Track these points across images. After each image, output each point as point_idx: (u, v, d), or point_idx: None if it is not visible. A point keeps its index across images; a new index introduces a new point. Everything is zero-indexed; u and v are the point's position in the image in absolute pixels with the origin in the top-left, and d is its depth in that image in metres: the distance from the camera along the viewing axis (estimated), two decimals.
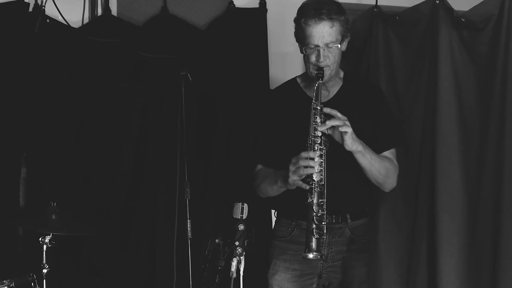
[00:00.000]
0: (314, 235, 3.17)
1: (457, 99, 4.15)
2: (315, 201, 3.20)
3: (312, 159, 3.20)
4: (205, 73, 4.40)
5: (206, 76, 4.40)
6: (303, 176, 3.22)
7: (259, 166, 3.59)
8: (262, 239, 3.52)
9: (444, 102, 4.13)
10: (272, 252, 3.58)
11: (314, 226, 3.18)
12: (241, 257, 3.20)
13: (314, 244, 3.17)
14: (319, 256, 3.19)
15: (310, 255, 3.18)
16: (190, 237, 4.03)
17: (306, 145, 3.25)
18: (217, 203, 4.44)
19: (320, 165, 3.21)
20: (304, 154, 3.21)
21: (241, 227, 3.26)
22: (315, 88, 3.30)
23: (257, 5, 4.63)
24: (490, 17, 4.10)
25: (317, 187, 3.20)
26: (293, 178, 3.23)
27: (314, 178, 3.20)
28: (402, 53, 4.31)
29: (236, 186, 4.38)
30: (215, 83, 4.47)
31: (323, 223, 3.20)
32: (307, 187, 3.20)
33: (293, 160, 3.24)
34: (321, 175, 3.21)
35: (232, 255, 3.21)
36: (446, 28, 4.14)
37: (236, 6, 4.58)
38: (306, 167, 3.19)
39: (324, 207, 3.21)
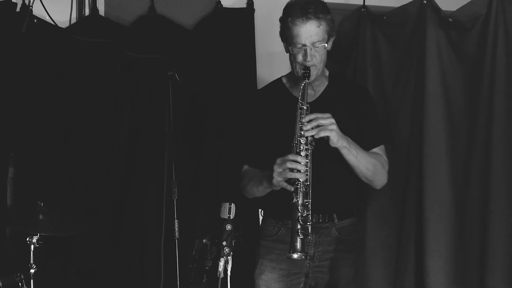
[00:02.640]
0: (299, 235, 3.16)
1: (445, 99, 4.16)
2: (300, 202, 3.19)
3: (299, 162, 3.19)
4: (193, 73, 4.39)
5: (194, 76, 4.39)
6: (288, 178, 3.22)
7: (246, 167, 3.57)
8: (250, 239, 3.52)
9: (432, 102, 4.13)
10: (259, 251, 3.57)
11: (299, 226, 3.17)
12: (229, 257, 3.19)
13: (298, 244, 3.16)
14: (303, 256, 3.18)
15: (295, 255, 3.17)
16: (178, 237, 4.03)
17: (291, 145, 3.24)
18: (205, 203, 4.43)
19: (306, 165, 3.20)
20: (291, 157, 3.20)
21: (228, 227, 3.26)
22: (301, 87, 3.30)
23: (244, 5, 4.63)
24: (478, 17, 4.11)
25: (302, 187, 3.19)
26: (278, 179, 3.22)
27: (299, 178, 3.20)
28: (390, 53, 4.32)
29: (226, 186, 4.38)
30: (203, 83, 4.47)
31: (308, 223, 3.19)
32: (292, 189, 3.19)
33: (278, 161, 3.22)
34: (307, 175, 3.20)
35: (219, 255, 3.20)
36: (434, 28, 4.15)
37: (223, 6, 4.57)
38: (292, 170, 3.19)
39: (309, 207, 3.20)
